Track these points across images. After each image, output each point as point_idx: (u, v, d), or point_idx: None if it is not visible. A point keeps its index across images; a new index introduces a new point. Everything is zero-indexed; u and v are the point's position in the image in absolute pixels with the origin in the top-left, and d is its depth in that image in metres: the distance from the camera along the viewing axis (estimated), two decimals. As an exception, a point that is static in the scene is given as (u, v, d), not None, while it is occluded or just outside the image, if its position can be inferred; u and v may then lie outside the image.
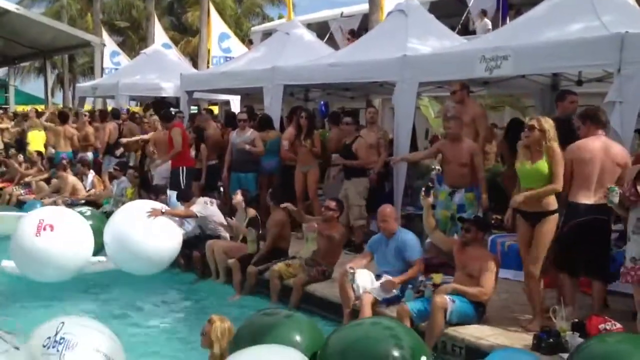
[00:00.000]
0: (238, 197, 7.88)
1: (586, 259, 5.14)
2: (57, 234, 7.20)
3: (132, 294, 7.46)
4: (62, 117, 13.50)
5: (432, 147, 7.45)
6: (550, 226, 5.13)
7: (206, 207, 8.14)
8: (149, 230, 7.55)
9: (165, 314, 6.89)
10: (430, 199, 5.75)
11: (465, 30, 14.46)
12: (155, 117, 10.98)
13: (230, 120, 10.26)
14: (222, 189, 10.11)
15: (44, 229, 7.15)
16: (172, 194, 8.79)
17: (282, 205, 7.25)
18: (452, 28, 11.16)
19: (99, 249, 8.37)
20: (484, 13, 14.77)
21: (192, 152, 9.95)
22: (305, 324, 4.34)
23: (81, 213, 8.41)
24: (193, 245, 8.00)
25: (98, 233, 8.30)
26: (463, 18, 15.04)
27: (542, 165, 5.09)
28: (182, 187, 9.21)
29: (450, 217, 6.60)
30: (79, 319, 4.56)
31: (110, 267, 8.09)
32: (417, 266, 5.95)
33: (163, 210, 7.80)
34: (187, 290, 7.59)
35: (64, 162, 12.01)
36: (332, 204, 6.86)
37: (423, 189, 5.75)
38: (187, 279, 7.88)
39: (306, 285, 6.57)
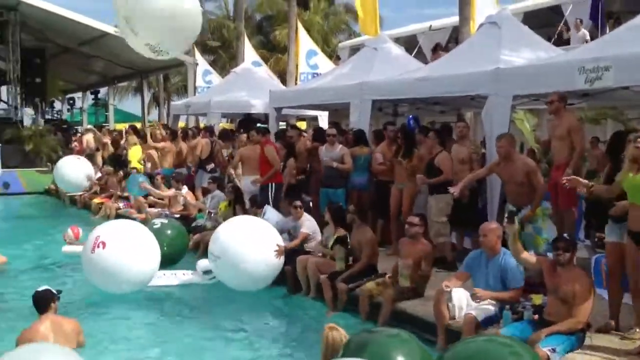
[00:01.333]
0: (328, 215, 7.93)
1: None
2: (109, 252, 7.40)
3: (223, 308, 7.53)
4: (174, 134, 14.05)
5: (485, 167, 7.28)
6: None
7: (312, 221, 8.27)
8: (257, 247, 7.61)
9: (261, 329, 6.88)
10: (516, 226, 5.52)
11: (561, 41, 13.90)
12: (244, 136, 11.20)
13: (319, 135, 10.31)
14: (310, 204, 10.16)
15: (98, 246, 7.43)
16: (267, 209, 8.91)
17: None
18: (548, 39, 10.80)
19: (173, 263, 8.73)
20: (580, 22, 14.09)
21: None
22: (412, 343, 4.17)
23: (152, 225, 8.76)
24: (285, 260, 8.02)
25: (170, 246, 8.71)
26: (559, 28, 14.51)
27: None
28: (271, 204, 9.33)
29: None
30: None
31: (195, 281, 8.34)
32: (516, 293, 5.62)
33: (287, 247, 7.85)
34: (281, 305, 7.60)
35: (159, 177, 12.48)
36: (415, 219, 6.70)
37: (506, 216, 5.54)
38: (278, 293, 7.89)
39: (397, 301, 6.44)
